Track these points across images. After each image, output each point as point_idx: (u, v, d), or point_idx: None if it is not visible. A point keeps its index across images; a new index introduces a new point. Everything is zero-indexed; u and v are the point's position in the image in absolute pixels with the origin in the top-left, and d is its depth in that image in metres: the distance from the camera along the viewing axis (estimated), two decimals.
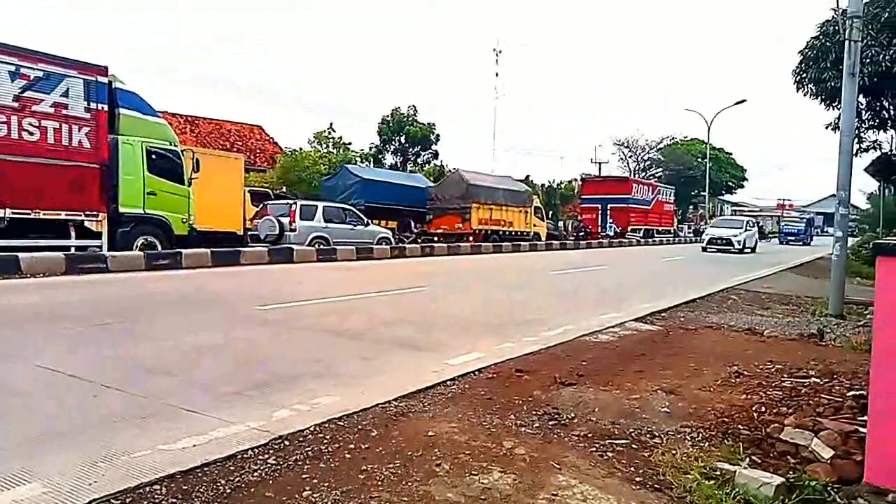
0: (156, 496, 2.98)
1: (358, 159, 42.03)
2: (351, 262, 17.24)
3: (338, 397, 4.61)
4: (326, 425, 3.98)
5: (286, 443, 3.67)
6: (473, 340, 6.86)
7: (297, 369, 5.44)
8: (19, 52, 11.87)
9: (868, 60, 19.69)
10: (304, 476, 3.24)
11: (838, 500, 3.21)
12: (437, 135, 44.15)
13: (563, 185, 57.95)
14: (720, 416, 4.48)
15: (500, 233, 27.89)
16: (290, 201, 19.56)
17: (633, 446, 3.89)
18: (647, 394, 5.00)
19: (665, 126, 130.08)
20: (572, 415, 4.42)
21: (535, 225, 30.93)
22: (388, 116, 43.52)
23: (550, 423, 4.25)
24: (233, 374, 5.23)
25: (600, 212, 38.81)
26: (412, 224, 27.04)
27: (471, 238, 25.84)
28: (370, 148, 44.14)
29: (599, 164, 58.47)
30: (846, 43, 10.14)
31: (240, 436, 3.76)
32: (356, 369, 5.55)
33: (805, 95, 24.08)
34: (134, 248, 13.64)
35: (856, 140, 21.70)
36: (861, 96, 20.73)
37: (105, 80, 13.08)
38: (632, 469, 3.54)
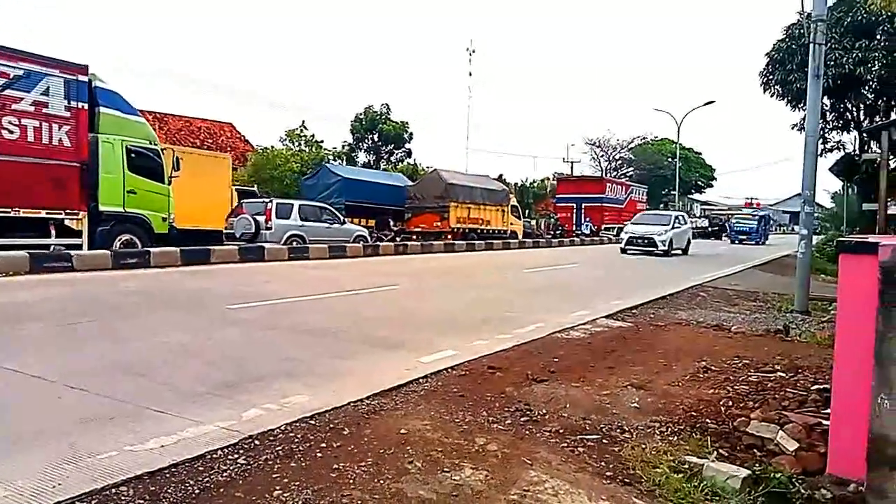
0: (122, 498, 2.92)
1: (331, 157, 41.77)
2: (323, 260, 17.13)
3: (309, 396, 4.58)
4: (297, 424, 3.95)
5: (256, 442, 3.64)
6: (446, 338, 6.86)
7: (267, 368, 5.39)
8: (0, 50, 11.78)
9: (832, 63, 20.20)
10: (274, 475, 3.21)
11: (802, 491, 3.29)
12: (411, 133, 44.09)
13: (535, 184, 58.29)
14: (689, 411, 4.55)
15: (478, 231, 28.24)
16: (266, 200, 19.51)
17: (604, 441, 3.93)
18: (617, 389, 5.06)
19: (636, 126, 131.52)
20: (544, 411, 4.45)
21: (511, 223, 31.41)
22: (361, 115, 43.33)
23: (522, 419, 4.27)
24: (202, 373, 5.16)
25: (575, 210, 39.72)
26: (391, 222, 27.25)
27: (449, 236, 26.10)
28: (343, 146, 43.88)
29: (572, 163, 58.94)
30: (811, 46, 10.35)
31: (209, 436, 3.71)
32: (328, 368, 5.52)
33: (772, 96, 24.63)
34: (114, 246, 13.61)
35: (820, 140, 22.22)
36: (825, 98, 21.24)
37: (85, 78, 13.05)
38: (602, 464, 3.57)
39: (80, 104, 12.86)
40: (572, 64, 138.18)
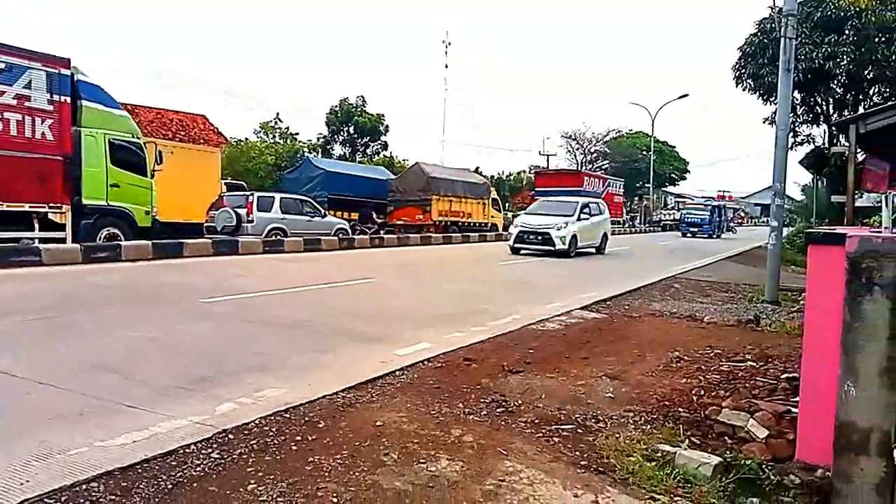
0: (93, 494, 2.88)
1: (306, 150, 41.46)
2: (298, 253, 17.01)
3: (284, 390, 4.55)
4: (272, 418, 3.92)
5: (230, 436, 3.61)
6: (422, 330, 6.87)
7: (242, 362, 5.34)
8: None
9: (802, 57, 20.51)
10: (248, 469, 3.19)
11: (772, 477, 3.35)
12: (387, 125, 43.87)
13: (512, 177, 58.46)
14: (662, 400, 4.61)
15: (460, 224, 28.45)
16: (247, 193, 19.47)
17: (579, 431, 3.97)
18: (592, 380, 5.11)
19: (612, 119, 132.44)
20: (519, 402, 4.48)
21: (492, 216, 31.88)
22: (336, 107, 43.00)
23: (498, 410, 4.29)
24: (175, 368, 5.10)
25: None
26: (374, 215, 27.32)
27: (431, 229, 26.25)
28: (318, 139, 43.57)
29: (548, 156, 59.16)
30: (781, 40, 10.51)
31: (182, 430, 3.67)
32: (303, 361, 5.49)
33: (744, 90, 24.95)
34: (98, 239, 13.64)
35: (791, 134, 22.57)
36: (796, 92, 21.56)
37: (68, 72, 12.97)
38: (577, 453, 3.61)
39: (62, 98, 12.80)
40: (549, 58, 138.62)
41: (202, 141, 31.86)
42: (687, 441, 3.80)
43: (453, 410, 4.23)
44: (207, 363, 5.28)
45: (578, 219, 19.13)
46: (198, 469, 3.18)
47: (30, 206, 12.47)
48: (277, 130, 42.91)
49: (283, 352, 5.79)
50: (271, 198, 19.08)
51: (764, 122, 26.52)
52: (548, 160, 58.44)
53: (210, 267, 12.81)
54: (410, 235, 23.73)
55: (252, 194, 18.84)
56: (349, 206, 25.98)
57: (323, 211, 20.88)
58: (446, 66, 54.70)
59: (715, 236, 39.17)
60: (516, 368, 5.34)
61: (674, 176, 69.72)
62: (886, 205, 3.81)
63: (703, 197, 48.57)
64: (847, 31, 21.15)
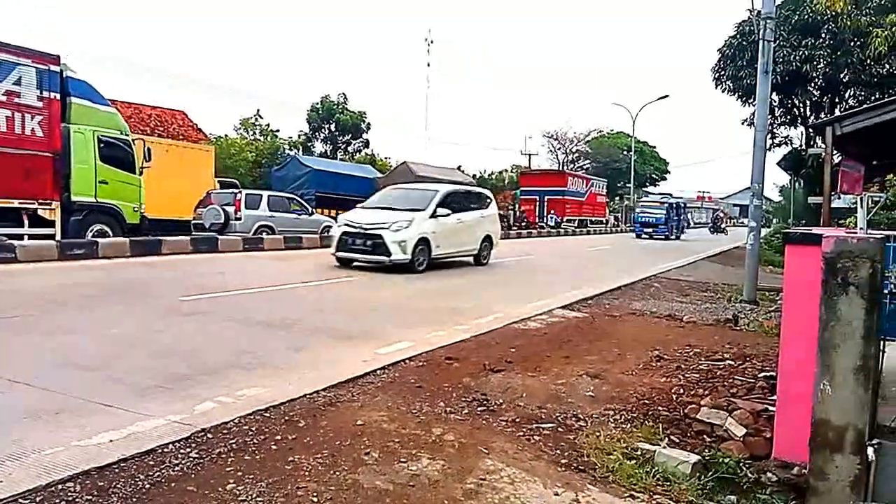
0: (69, 494, 2.84)
1: (286, 147, 41.19)
2: (279, 251, 16.89)
3: (264, 388, 4.51)
4: (252, 417, 3.89)
5: (209, 436, 3.57)
6: (403, 329, 6.85)
7: (221, 361, 5.29)
8: None
9: (781, 60, 20.80)
10: (227, 469, 3.16)
11: (749, 475, 3.40)
12: (369, 123, 43.70)
13: (494, 176, 58.52)
14: (641, 399, 4.65)
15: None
16: (235, 190, 19.49)
17: (559, 430, 3.99)
18: (573, 379, 5.13)
19: (593, 119, 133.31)
20: (501, 400, 4.49)
21: None
22: (317, 104, 42.76)
23: (479, 409, 4.30)
24: (153, 367, 5.04)
25: (538, 203, 40.44)
26: None
27: None
28: (299, 136, 43.29)
29: (529, 155, 59.28)
30: (760, 42, 10.64)
31: (160, 430, 3.63)
32: (283, 360, 5.45)
33: (723, 92, 25.23)
34: (87, 236, 13.58)
35: (769, 135, 22.85)
36: (774, 94, 21.85)
37: (57, 68, 12.94)
38: (558, 451, 3.62)
39: (52, 94, 12.77)
40: (531, 57, 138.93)
41: (181, 137, 31.50)
42: (666, 439, 3.83)
43: (434, 409, 4.23)
44: (186, 362, 5.22)
45: (434, 215, 12.96)
46: (176, 469, 3.14)
47: (19, 203, 12.47)
48: (258, 127, 42.60)
49: (263, 350, 5.74)
50: (259, 195, 19.11)
51: (743, 124, 26.87)
52: (529, 159, 58.61)
53: (189, 265, 12.67)
54: None
55: (240, 192, 18.89)
56: (337, 205, 25.90)
57: (310, 209, 20.94)
58: (428, 65, 54.88)
59: (673, 237, 35.88)
60: (498, 367, 5.35)
61: (654, 176, 70.23)
62: (861, 206, 3.88)
63: (660, 193, 43.35)
64: (824, 35, 21.49)
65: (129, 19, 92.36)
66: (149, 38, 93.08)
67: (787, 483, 3.32)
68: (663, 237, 34.53)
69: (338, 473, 3.16)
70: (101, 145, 13.98)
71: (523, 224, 36.60)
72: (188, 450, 3.37)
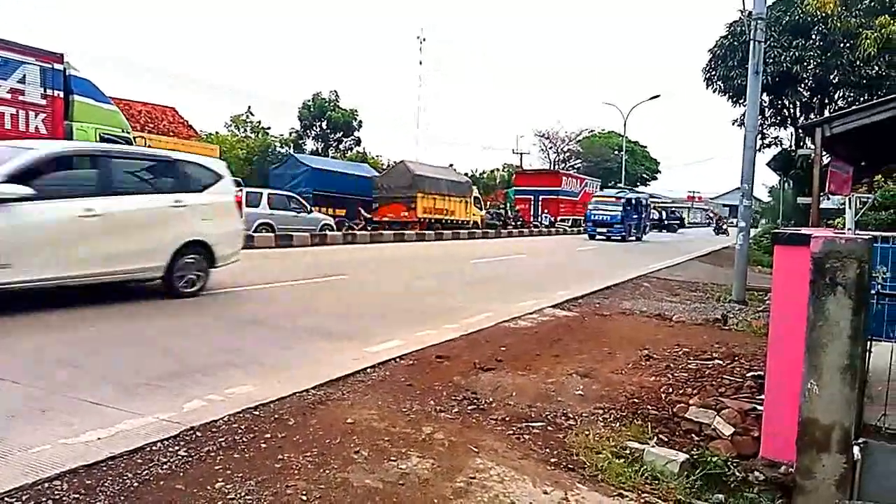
0: (56, 492, 2.82)
1: (277, 144, 41.05)
2: (269, 249, 16.85)
3: (253, 387, 4.50)
4: (241, 415, 3.88)
5: (198, 434, 3.56)
6: (395, 328, 6.85)
7: (211, 359, 5.27)
8: None
9: (771, 61, 20.91)
10: (216, 467, 3.15)
11: (737, 473, 3.42)
12: (360, 121, 43.60)
13: (485, 175, 58.57)
14: (631, 398, 4.66)
15: (443, 221, 28.91)
16: (236, 189, 19.34)
17: (549, 428, 4.00)
18: (562, 377, 5.14)
19: (585, 119, 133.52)
20: (491, 399, 4.49)
21: (474, 214, 32.44)
22: (309, 101, 42.61)
23: (469, 407, 4.30)
24: (142, 364, 5.01)
25: (533, 202, 41.00)
26: (360, 211, 27.63)
27: (416, 226, 26.68)
28: (291, 133, 43.14)
29: (521, 154, 59.37)
30: (751, 43, 10.68)
31: (148, 428, 3.61)
32: (273, 358, 5.43)
33: (714, 92, 25.32)
34: None
35: (759, 136, 22.97)
36: (764, 94, 21.97)
37: (61, 66, 13.10)
38: (547, 450, 3.63)
39: (55, 92, 12.93)
40: (523, 57, 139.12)
41: (171, 133, 31.41)
42: (655, 438, 3.85)
43: (424, 408, 4.23)
44: (175, 360, 5.20)
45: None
46: (164, 467, 3.13)
47: None
48: (249, 124, 42.45)
49: (253, 348, 5.73)
50: (259, 193, 19.45)
51: (733, 124, 26.96)
52: (521, 158, 58.71)
53: None
54: (384, 232, 23.78)
55: (241, 190, 18.86)
56: (334, 203, 26.29)
57: (309, 207, 21.21)
58: (420, 63, 54.75)
59: (632, 238, 31.53)
60: (488, 366, 5.36)
61: (645, 176, 70.51)
62: (849, 207, 3.91)
63: (619, 188, 36.36)
64: (814, 36, 21.62)
65: (121, 17, 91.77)
66: (138, 36, 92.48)
67: (775, 482, 3.35)
68: (619, 238, 30.03)
69: (327, 472, 3.15)
70: (103, 143, 13.86)
71: (518, 223, 36.90)
72: (177, 448, 3.35)
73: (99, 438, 3.42)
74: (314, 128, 43.09)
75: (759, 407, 3.94)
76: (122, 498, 2.81)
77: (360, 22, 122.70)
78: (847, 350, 3.10)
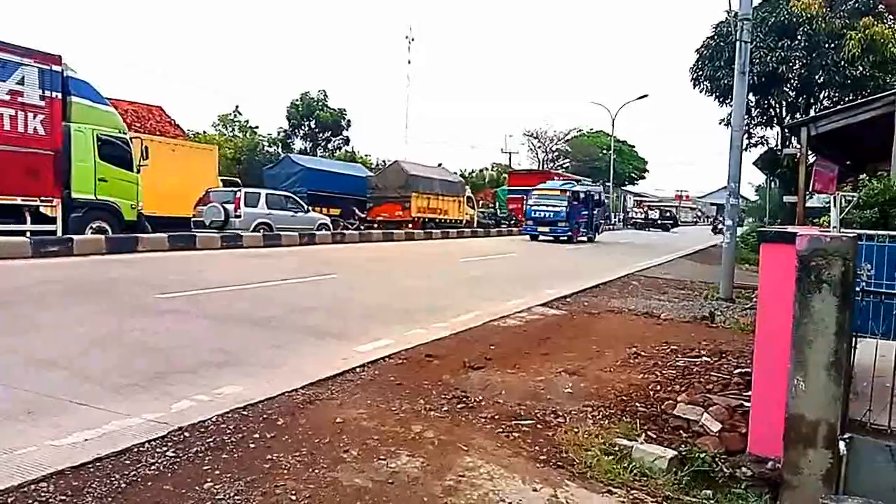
0: (42, 494, 2.80)
1: (265, 144, 40.88)
2: (258, 248, 16.78)
3: (242, 387, 4.48)
4: (230, 415, 3.87)
5: (186, 434, 3.54)
6: (384, 327, 6.84)
7: (199, 359, 5.25)
8: None
9: (757, 61, 21.05)
10: (205, 468, 3.14)
11: (725, 469, 3.44)
12: (349, 120, 43.48)
13: (474, 174, 58.59)
14: (619, 395, 4.68)
15: (437, 220, 29.20)
16: (235, 189, 20.02)
17: (538, 426, 4.01)
18: (551, 375, 5.16)
19: (573, 118, 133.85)
20: (480, 398, 4.50)
21: (467, 213, 32.86)
22: (297, 101, 42.44)
23: (459, 406, 4.30)
24: (129, 365, 4.98)
25: (525, 202, 41.47)
26: (355, 211, 27.87)
27: (410, 225, 26.86)
28: (279, 132, 42.96)
29: (510, 154, 59.53)
30: (737, 43, 10.75)
31: (136, 428, 3.59)
32: (262, 358, 5.42)
33: (701, 92, 25.45)
34: (86, 232, 13.92)
35: (745, 135, 23.12)
36: (751, 94, 22.09)
37: (59, 68, 13.25)
38: (536, 448, 3.64)
39: (54, 93, 13.07)
40: (512, 56, 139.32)
41: (158, 132, 31.27)
42: (644, 435, 3.87)
43: (414, 407, 4.23)
44: (163, 360, 5.17)
45: None
46: (152, 467, 3.11)
47: (22, 200, 12.75)
48: (237, 123, 42.24)
49: (241, 348, 5.70)
50: (258, 194, 19.69)
51: (720, 124, 27.13)
52: (510, 158, 58.86)
53: (166, 262, 12.54)
54: (373, 232, 23.81)
55: (240, 190, 19.42)
56: (329, 203, 26.41)
57: (306, 207, 21.43)
58: (409, 62, 54.71)
59: (583, 238, 27.39)
60: (477, 364, 5.36)
61: (633, 175, 70.76)
62: (834, 205, 3.95)
63: (563, 180, 33.45)
64: (799, 37, 21.77)
65: (106, 16, 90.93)
66: (123, 34, 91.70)
67: (762, 477, 3.37)
68: (565, 237, 25.70)
69: (317, 471, 3.15)
70: (101, 144, 14.43)
71: (512, 222, 37.22)
72: (165, 449, 3.34)
73: (86, 439, 3.40)
74: (302, 127, 42.92)
75: (746, 403, 3.96)
76: (110, 499, 2.79)
77: (349, 21, 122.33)
78: (832, 347, 3.13)
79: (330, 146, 43.56)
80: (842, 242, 3.15)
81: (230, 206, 18.26)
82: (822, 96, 24.11)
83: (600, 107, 54.89)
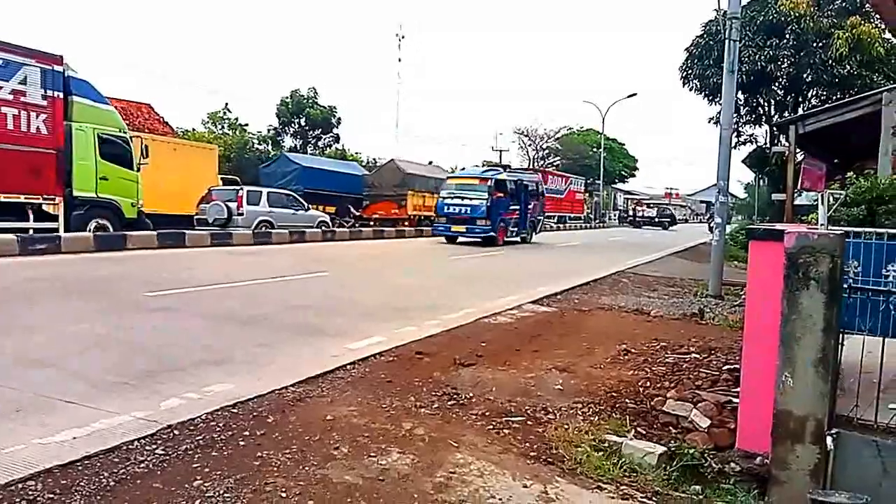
0: (30, 492, 2.78)
1: (255, 141, 40.66)
2: (248, 246, 16.72)
3: (232, 385, 4.47)
4: (219, 413, 3.85)
5: (175, 432, 3.53)
6: (375, 324, 6.84)
7: (188, 357, 5.22)
8: None
9: (746, 60, 21.17)
10: (194, 465, 3.13)
11: (714, 465, 3.46)
12: (339, 118, 43.28)
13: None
14: (609, 392, 4.70)
15: (432, 218, 29.04)
16: (237, 187, 20.34)
17: (529, 423, 4.02)
18: (542, 372, 5.17)
19: (563, 116, 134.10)
20: (471, 394, 4.50)
21: None
22: (287, 98, 42.20)
23: (449, 403, 4.31)
24: (118, 363, 4.95)
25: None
26: (350, 209, 27.96)
27: (406, 223, 27.04)
28: (269, 130, 42.72)
29: (500, 151, 59.49)
30: (726, 42, 10.80)
31: (125, 426, 3.57)
32: (252, 356, 5.40)
33: (691, 90, 25.57)
34: (87, 230, 14.17)
35: (734, 134, 23.25)
36: (739, 93, 22.21)
37: (60, 68, 13.52)
38: (527, 444, 3.65)
39: (56, 93, 13.33)
40: (503, 54, 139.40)
41: (147, 130, 31.10)
42: (633, 431, 3.89)
43: (405, 404, 4.23)
44: (152, 358, 5.14)
45: None
46: (141, 465, 3.10)
47: (25, 198, 13.00)
48: (226, 121, 41.95)
49: (231, 346, 5.68)
50: (259, 192, 20.06)
51: (709, 122, 27.26)
52: (500, 156, 58.79)
53: (156, 260, 12.48)
54: (363, 230, 23.80)
55: (242, 189, 19.76)
56: (325, 201, 26.51)
57: (306, 205, 21.71)
58: (399, 60, 54.52)
59: (515, 238, 22.66)
60: (468, 362, 5.37)
61: (623, 173, 71.00)
62: (822, 203, 3.97)
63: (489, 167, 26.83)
64: (788, 36, 21.91)
65: (92, 12, 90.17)
66: (110, 31, 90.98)
67: (750, 473, 3.40)
68: (482, 237, 20.60)
69: (307, 468, 3.14)
70: (101, 142, 14.68)
71: None
72: (154, 447, 3.32)
73: (74, 438, 3.38)
74: (292, 125, 42.69)
75: (735, 399, 3.99)
76: (99, 497, 2.78)
77: (339, 18, 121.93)
78: (820, 343, 3.16)
79: (320, 144, 43.34)
80: (829, 240, 3.17)
81: (233, 205, 18.64)
82: (810, 95, 24.27)
83: (591, 105, 54.99)
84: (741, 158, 26.61)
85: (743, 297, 9.54)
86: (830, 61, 21.09)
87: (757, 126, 27.25)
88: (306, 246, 18.27)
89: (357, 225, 26.25)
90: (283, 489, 2.91)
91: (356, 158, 41.14)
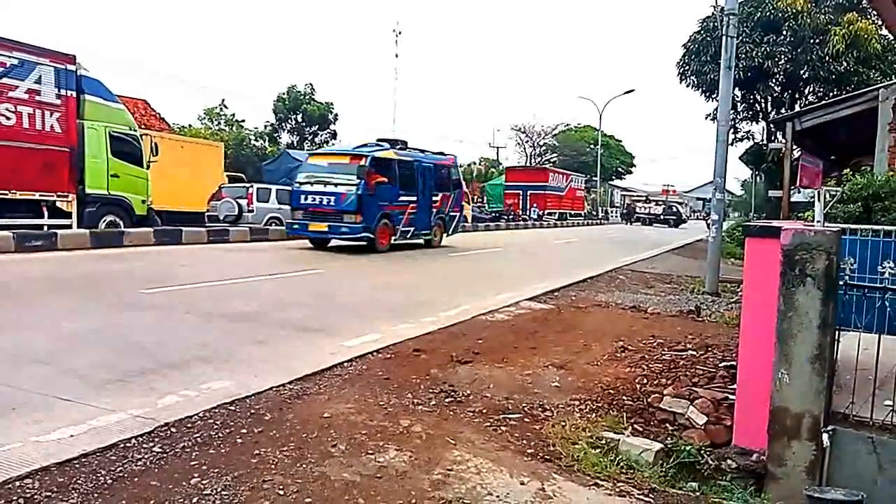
0: (27, 490, 2.77)
1: (252, 138, 40.59)
2: (245, 243, 16.70)
3: (229, 382, 4.46)
4: (217, 411, 3.85)
5: (173, 430, 3.52)
6: (372, 322, 6.83)
7: (185, 355, 5.21)
8: None
9: (743, 56, 21.14)
10: (192, 463, 3.12)
11: (710, 461, 3.48)
12: (336, 114, 43.23)
13: (462, 168, 58.59)
14: (606, 389, 4.71)
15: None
16: (246, 185, 20.62)
17: (526, 420, 4.02)
18: (539, 369, 5.18)
19: (560, 113, 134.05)
20: (468, 392, 4.51)
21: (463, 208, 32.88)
22: (284, 94, 42.12)
23: (447, 400, 4.31)
24: (114, 360, 4.94)
25: (521, 197, 42.54)
26: None
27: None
28: (265, 126, 42.64)
29: (497, 148, 59.53)
30: (723, 38, 10.80)
31: (122, 424, 3.56)
32: (249, 353, 5.39)
33: (688, 87, 25.51)
34: (100, 226, 14.39)
35: (731, 130, 23.26)
36: (736, 89, 22.20)
37: (73, 67, 13.69)
38: (524, 441, 3.66)
39: (69, 92, 13.49)
40: (500, 51, 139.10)
41: (143, 126, 31.01)
42: (630, 428, 3.90)
43: (402, 401, 4.24)
44: (149, 355, 5.13)
45: None
46: (139, 463, 3.09)
47: (39, 195, 13.22)
48: (223, 117, 41.86)
49: (228, 343, 5.67)
50: (268, 189, 20.25)
51: (706, 119, 27.20)
52: (497, 152, 58.88)
53: (152, 257, 12.44)
54: None
55: (252, 186, 20.06)
56: None
57: None
58: (396, 56, 54.54)
59: (416, 239, 16.95)
60: (465, 359, 5.37)
61: (620, 170, 71.04)
62: (818, 200, 3.98)
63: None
64: (784, 32, 21.89)
65: (88, 9, 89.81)
66: (107, 28, 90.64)
67: (747, 469, 3.41)
68: (353, 239, 14.97)
69: (304, 466, 3.14)
70: (113, 141, 14.86)
71: (510, 216, 37.69)
72: (151, 444, 3.32)
73: (72, 435, 3.38)
74: (289, 121, 42.62)
75: (731, 396, 4.00)
76: (96, 495, 2.78)
77: (336, 15, 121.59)
78: (816, 340, 3.17)
79: (317, 140, 43.27)
80: (825, 236, 3.18)
81: (243, 202, 18.93)
82: (807, 91, 24.27)
83: (588, 101, 54.96)
84: (738, 155, 26.61)
85: (740, 293, 9.57)
86: (827, 58, 21.08)
87: (754, 123, 27.24)
88: (301, 243, 18.23)
89: None
90: (281, 487, 2.91)
91: None
